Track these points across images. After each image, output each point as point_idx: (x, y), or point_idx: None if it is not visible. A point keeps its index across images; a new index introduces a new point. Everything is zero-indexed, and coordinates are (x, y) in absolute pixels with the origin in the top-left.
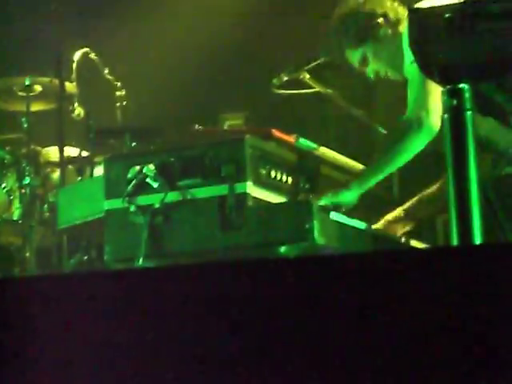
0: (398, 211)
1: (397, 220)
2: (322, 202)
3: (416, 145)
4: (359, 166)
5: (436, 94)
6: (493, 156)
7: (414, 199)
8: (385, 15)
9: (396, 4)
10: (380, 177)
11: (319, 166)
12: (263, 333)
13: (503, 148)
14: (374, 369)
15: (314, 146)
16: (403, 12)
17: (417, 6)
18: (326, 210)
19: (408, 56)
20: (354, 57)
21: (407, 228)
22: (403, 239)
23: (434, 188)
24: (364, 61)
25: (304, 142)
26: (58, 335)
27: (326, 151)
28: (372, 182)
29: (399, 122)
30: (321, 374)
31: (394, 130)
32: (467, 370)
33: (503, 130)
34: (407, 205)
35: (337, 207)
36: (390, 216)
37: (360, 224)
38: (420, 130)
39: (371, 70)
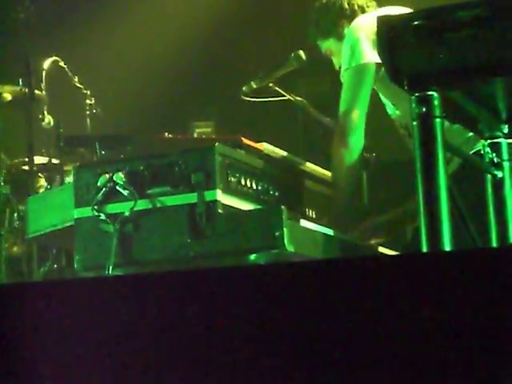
0: (378, 220)
1: (373, 230)
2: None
3: (348, 162)
4: (322, 171)
5: (363, 107)
6: None
7: (399, 210)
8: (352, 16)
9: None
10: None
11: (301, 179)
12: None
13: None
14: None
15: (283, 153)
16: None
17: (385, 13)
18: (295, 217)
19: (344, 63)
20: (322, 47)
21: (380, 239)
22: (372, 246)
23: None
24: (329, 52)
25: (271, 150)
26: (59, 341)
27: (308, 165)
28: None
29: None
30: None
31: None
32: None
33: (471, 136)
34: (391, 215)
35: None
36: (368, 224)
37: (329, 231)
38: (346, 149)
39: (336, 61)
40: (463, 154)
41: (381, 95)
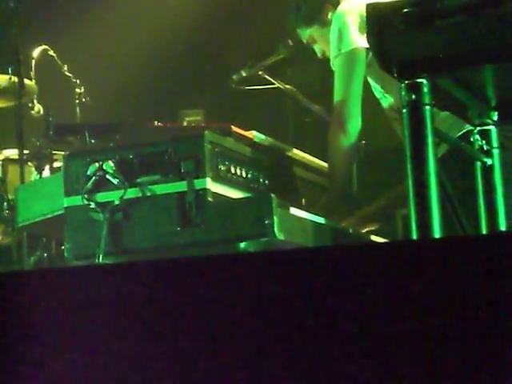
0: (367, 210)
1: (366, 218)
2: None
3: (347, 149)
4: (312, 159)
5: (358, 94)
6: None
7: (384, 198)
8: (336, 0)
9: None
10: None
11: (291, 167)
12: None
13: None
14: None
15: (272, 140)
16: None
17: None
18: (285, 205)
19: (333, 49)
20: (303, 35)
21: (373, 227)
22: (363, 234)
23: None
24: (312, 40)
25: (261, 138)
26: (52, 330)
27: (298, 152)
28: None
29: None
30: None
31: None
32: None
33: (460, 123)
34: (377, 204)
35: None
36: (359, 214)
37: (319, 219)
38: (345, 136)
39: (318, 49)
40: (451, 139)
41: (370, 80)
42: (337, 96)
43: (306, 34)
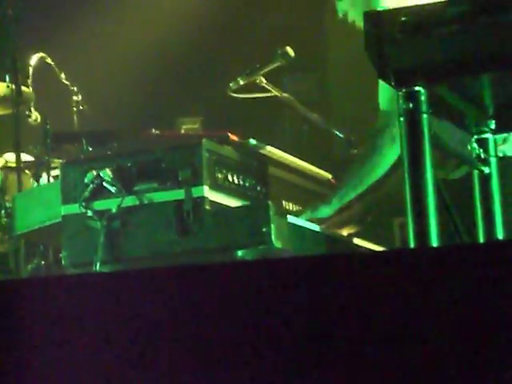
0: (344, 214)
1: (343, 223)
2: (303, 218)
3: (390, 157)
4: (309, 166)
5: None
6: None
7: (360, 202)
8: None
9: None
10: (359, 190)
11: (288, 175)
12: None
13: (458, 150)
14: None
15: (269, 148)
16: None
17: (375, 8)
18: (282, 213)
19: None
20: None
21: (352, 230)
22: (357, 242)
23: (380, 191)
24: None
25: (255, 144)
26: (49, 338)
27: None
28: (352, 195)
29: (370, 132)
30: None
31: (367, 140)
32: None
33: (458, 132)
34: (353, 208)
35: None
36: (335, 218)
37: (315, 226)
38: (392, 144)
39: (341, 8)
40: (456, 152)
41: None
42: (387, 112)
43: None
